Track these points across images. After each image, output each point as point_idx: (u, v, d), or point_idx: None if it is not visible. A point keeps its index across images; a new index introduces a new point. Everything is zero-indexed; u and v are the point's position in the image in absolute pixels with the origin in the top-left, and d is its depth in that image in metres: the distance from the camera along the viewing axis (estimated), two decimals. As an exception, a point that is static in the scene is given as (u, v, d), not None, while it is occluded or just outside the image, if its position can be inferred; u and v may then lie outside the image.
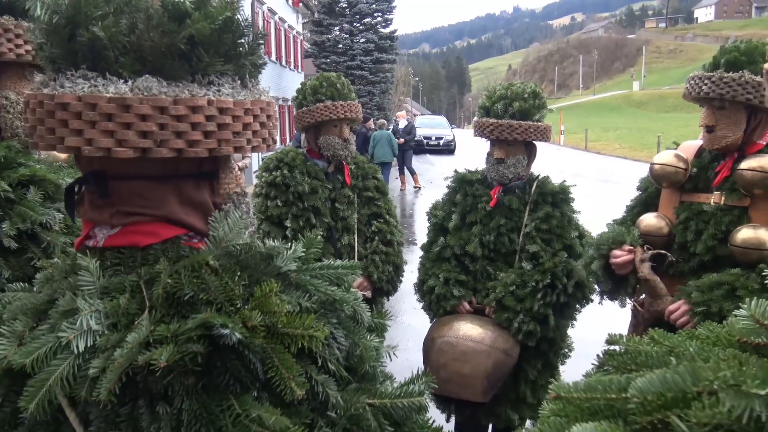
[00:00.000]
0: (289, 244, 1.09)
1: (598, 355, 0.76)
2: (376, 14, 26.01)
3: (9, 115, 1.81)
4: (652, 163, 2.41)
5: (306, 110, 2.95)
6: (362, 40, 25.70)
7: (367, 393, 0.99)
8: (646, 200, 2.55)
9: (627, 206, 2.65)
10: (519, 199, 2.79)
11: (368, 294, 2.94)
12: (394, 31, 26.50)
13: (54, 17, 0.92)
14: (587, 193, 13.49)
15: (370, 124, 16.04)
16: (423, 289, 2.94)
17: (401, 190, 16.19)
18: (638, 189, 2.61)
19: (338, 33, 25.70)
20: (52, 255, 1.54)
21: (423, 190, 15.62)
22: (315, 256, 1.11)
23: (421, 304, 3.02)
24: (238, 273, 0.98)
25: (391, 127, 17.39)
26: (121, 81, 0.93)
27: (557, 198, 2.78)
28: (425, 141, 26.82)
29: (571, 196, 2.82)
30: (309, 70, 25.53)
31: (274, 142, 1.11)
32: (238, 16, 1.00)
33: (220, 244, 1.00)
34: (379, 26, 26.17)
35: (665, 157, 2.36)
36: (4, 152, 1.64)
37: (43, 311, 0.99)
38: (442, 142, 27.60)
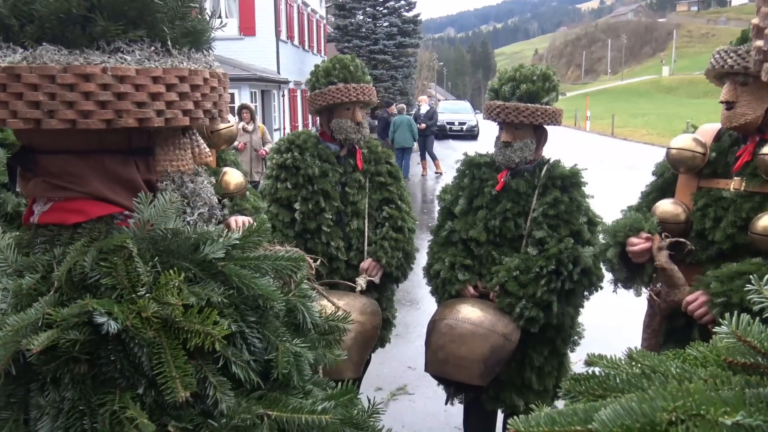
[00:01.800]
0: (225, 231, 1.02)
1: (564, 380, 0.70)
2: (399, -2, 25.80)
3: None
4: (668, 148, 2.32)
5: (318, 93, 2.91)
6: (385, 24, 25.45)
7: (268, 402, 0.92)
8: (663, 186, 2.46)
9: (642, 192, 2.57)
10: (527, 182, 2.72)
11: (376, 279, 2.91)
12: (418, 15, 26.20)
13: None
14: (611, 181, 13.27)
15: (393, 109, 15.94)
16: (430, 273, 2.93)
17: (422, 175, 16.10)
18: (654, 174, 2.53)
19: (361, 17, 25.51)
20: (5, 213, 1.59)
21: (444, 176, 15.52)
22: (257, 244, 1.04)
23: (429, 288, 3.00)
24: (156, 258, 0.93)
25: (413, 111, 17.26)
26: (20, 50, 0.90)
27: (567, 182, 2.71)
28: (448, 126, 26.64)
29: (582, 180, 2.74)
30: (332, 54, 25.42)
31: (209, 114, 1.03)
32: None
33: (145, 227, 0.95)
34: (402, 10, 25.88)
35: (683, 141, 2.27)
36: None
37: None
38: (465, 127, 27.39)
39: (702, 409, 0.45)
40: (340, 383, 1.10)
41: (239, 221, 2.13)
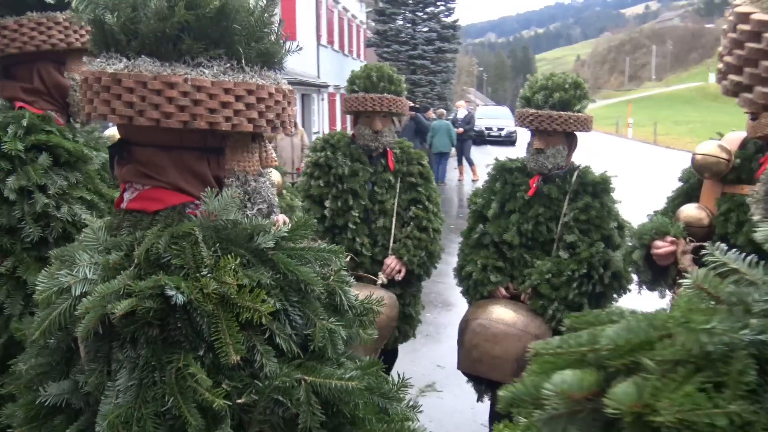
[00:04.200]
0: (276, 224, 1.17)
1: (566, 320, 0.80)
2: (439, 3, 25.82)
3: (75, 94, 2.06)
4: (694, 154, 2.37)
5: (345, 98, 3.13)
6: (425, 29, 25.55)
7: (305, 369, 1.05)
8: (688, 191, 2.51)
9: (668, 197, 2.62)
10: (559, 188, 2.79)
11: (399, 277, 3.04)
12: (456, 21, 26.22)
13: (94, 10, 1.08)
14: (652, 189, 13.07)
15: (430, 113, 16.01)
16: (461, 275, 3.02)
17: (459, 180, 16.14)
18: (680, 180, 2.58)
19: (401, 22, 25.67)
20: (35, 212, 1.79)
21: (480, 182, 15.49)
22: (303, 237, 1.18)
23: (460, 289, 3.09)
24: (217, 245, 1.08)
25: (451, 116, 17.32)
26: (125, 60, 1.08)
27: (598, 188, 2.77)
28: (486, 132, 26.56)
29: (611, 186, 2.81)
30: (370, 60, 25.66)
31: (271, 123, 1.17)
32: (237, 5, 1.10)
33: (210, 218, 1.10)
34: (441, 15, 25.96)
35: (707, 148, 2.32)
36: (32, 120, 1.87)
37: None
38: (503, 133, 27.27)
39: (688, 319, 0.56)
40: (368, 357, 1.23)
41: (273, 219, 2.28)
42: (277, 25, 1.18)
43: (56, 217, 1.80)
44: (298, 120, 18.90)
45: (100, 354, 1.05)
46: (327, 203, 3.05)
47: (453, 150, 15.63)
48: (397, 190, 3.13)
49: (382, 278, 3.01)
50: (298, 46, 1.27)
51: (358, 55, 28.43)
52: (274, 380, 1.01)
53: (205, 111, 1.08)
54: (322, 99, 22.35)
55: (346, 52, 25.92)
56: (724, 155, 2.28)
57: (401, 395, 1.20)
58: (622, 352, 0.57)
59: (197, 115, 1.08)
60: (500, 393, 0.67)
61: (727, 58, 0.63)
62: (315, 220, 1.24)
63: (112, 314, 0.97)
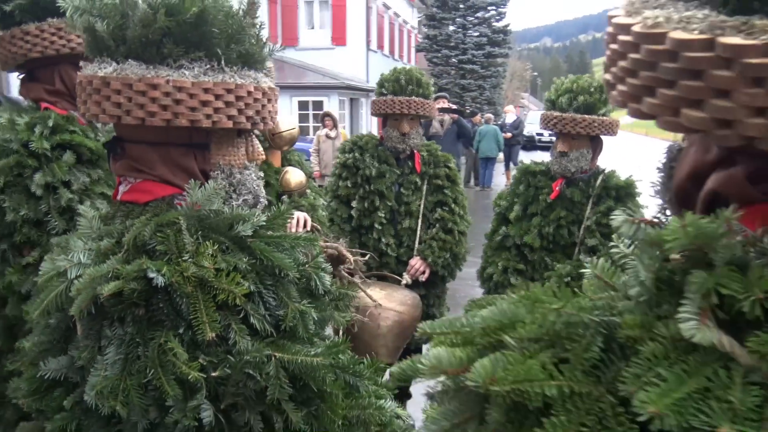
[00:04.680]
0: (257, 213, 1.25)
1: (466, 305, 0.85)
2: (489, 8, 25.61)
3: None
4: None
5: (373, 101, 3.17)
6: (475, 34, 25.37)
7: (275, 347, 1.13)
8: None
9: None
10: (582, 192, 2.78)
11: (423, 277, 3.07)
12: (507, 25, 25.96)
13: (87, 19, 1.18)
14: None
15: (478, 118, 15.92)
16: (483, 276, 3.03)
17: (506, 185, 15.95)
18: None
19: (452, 28, 25.58)
20: (60, 206, 1.93)
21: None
22: (280, 226, 1.26)
23: (482, 291, 3.11)
24: (199, 232, 1.16)
25: (500, 122, 17.17)
26: (114, 64, 1.18)
27: (621, 193, 2.74)
28: (537, 137, 26.16)
29: (636, 191, 2.77)
30: (421, 64, 25.73)
31: (251, 120, 1.25)
32: (216, 10, 1.18)
33: (193, 207, 1.19)
34: (492, 20, 25.74)
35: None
36: (57, 120, 2.01)
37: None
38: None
39: (538, 299, 0.62)
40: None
41: (295, 216, 2.35)
42: (258, 27, 1.25)
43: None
44: (347, 123, 19.13)
45: (92, 331, 1.15)
46: (354, 203, 3.12)
47: (500, 155, 15.49)
48: (424, 192, 3.17)
49: (406, 278, 3.06)
50: (280, 46, 1.33)
51: (408, 60, 28.54)
52: (245, 356, 1.09)
53: (186, 110, 1.17)
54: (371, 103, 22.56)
55: (396, 57, 26.07)
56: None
57: (375, 375, 1.27)
58: (491, 330, 0.62)
59: (179, 113, 1.17)
60: (391, 369, 0.72)
61: (613, 69, 0.64)
62: (293, 212, 1.30)
63: (101, 295, 1.06)
